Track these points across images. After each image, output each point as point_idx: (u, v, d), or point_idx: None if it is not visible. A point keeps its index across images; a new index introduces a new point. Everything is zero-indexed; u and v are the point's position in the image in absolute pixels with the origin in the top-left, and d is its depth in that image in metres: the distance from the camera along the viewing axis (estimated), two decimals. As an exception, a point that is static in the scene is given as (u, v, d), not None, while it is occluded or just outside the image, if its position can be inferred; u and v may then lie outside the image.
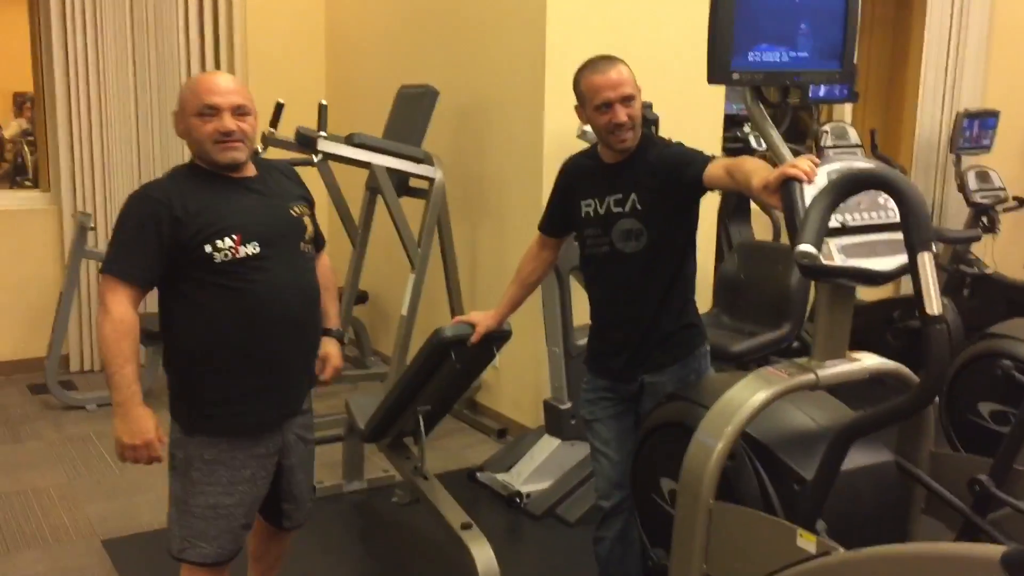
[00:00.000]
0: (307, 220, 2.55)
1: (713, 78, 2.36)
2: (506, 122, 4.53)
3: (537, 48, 4.27)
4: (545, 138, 4.30)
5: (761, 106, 2.46)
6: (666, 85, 4.42)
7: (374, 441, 3.69)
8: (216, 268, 2.32)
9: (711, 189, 2.69)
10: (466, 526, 3.24)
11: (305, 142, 4.21)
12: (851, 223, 2.19)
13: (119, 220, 2.34)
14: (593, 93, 2.69)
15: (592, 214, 2.80)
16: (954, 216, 6.20)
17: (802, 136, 6.03)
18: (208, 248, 2.30)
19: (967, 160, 6.06)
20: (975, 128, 5.96)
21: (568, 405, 4.08)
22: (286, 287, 2.42)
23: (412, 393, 3.34)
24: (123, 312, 2.26)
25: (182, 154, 5.69)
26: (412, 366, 3.27)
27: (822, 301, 2.32)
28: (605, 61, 2.72)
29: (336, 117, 5.19)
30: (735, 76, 2.34)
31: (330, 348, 2.74)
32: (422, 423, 3.45)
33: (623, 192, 2.73)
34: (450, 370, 3.19)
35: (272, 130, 4.42)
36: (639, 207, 2.71)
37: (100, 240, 5.36)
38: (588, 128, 4.04)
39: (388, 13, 5.47)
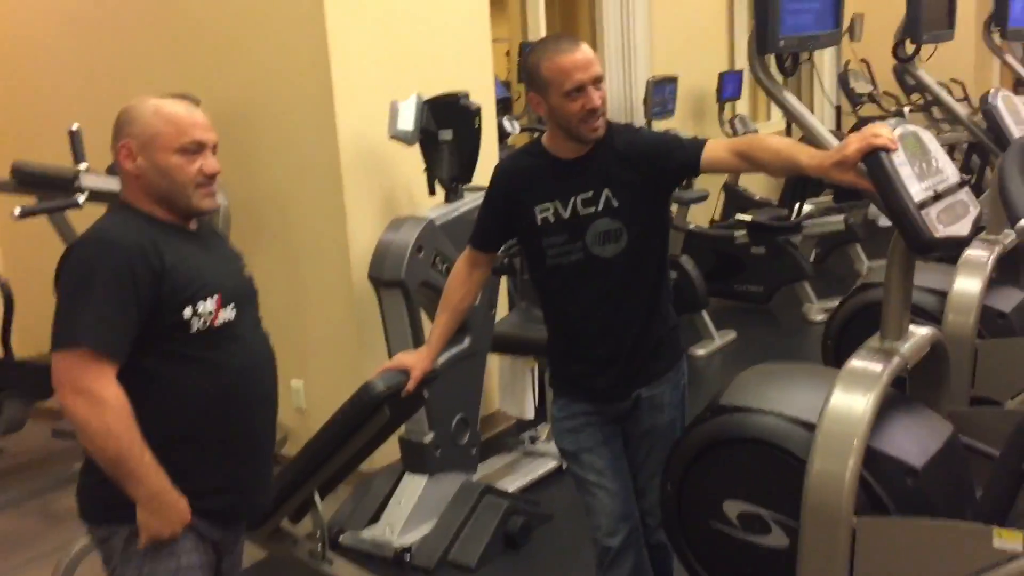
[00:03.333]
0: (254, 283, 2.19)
1: (763, 48, 2.04)
2: (286, 130, 3.78)
3: (316, 38, 3.59)
4: (340, 144, 3.65)
5: (777, 77, 2.17)
6: (443, 71, 3.98)
7: (252, 530, 2.89)
8: (191, 338, 1.91)
9: (706, 173, 2.37)
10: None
11: (52, 183, 3.18)
12: (939, 189, 1.99)
13: (81, 275, 1.85)
14: (563, 77, 2.24)
15: (553, 219, 2.35)
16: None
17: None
18: (187, 312, 1.90)
19: (656, 124, 6.27)
20: (664, 93, 6.17)
21: (431, 436, 3.53)
22: (259, 358, 2.10)
23: (323, 463, 2.66)
24: (118, 394, 1.82)
25: None
26: (329, 432, 2.60)
27: (896, 274, 2.10)
28: (568, 40, 2.30)
29: (29, 148, 4.10)
30: (781, 43, 2.03)
31: None
32: (317, 495, 2.78)
33: (593, 189, 2.32)
34: (376, 427, 2.58)
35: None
36: (615, 204, 2.31)
37: None
38: (405, 127, 3.51)
39: (88, 13, 4.34)
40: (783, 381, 2.22)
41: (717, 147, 2.25)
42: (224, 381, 1.96)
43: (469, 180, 3.66)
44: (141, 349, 1.88)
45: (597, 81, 2.25)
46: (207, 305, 1.91)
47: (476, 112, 3.55)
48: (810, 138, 2.18)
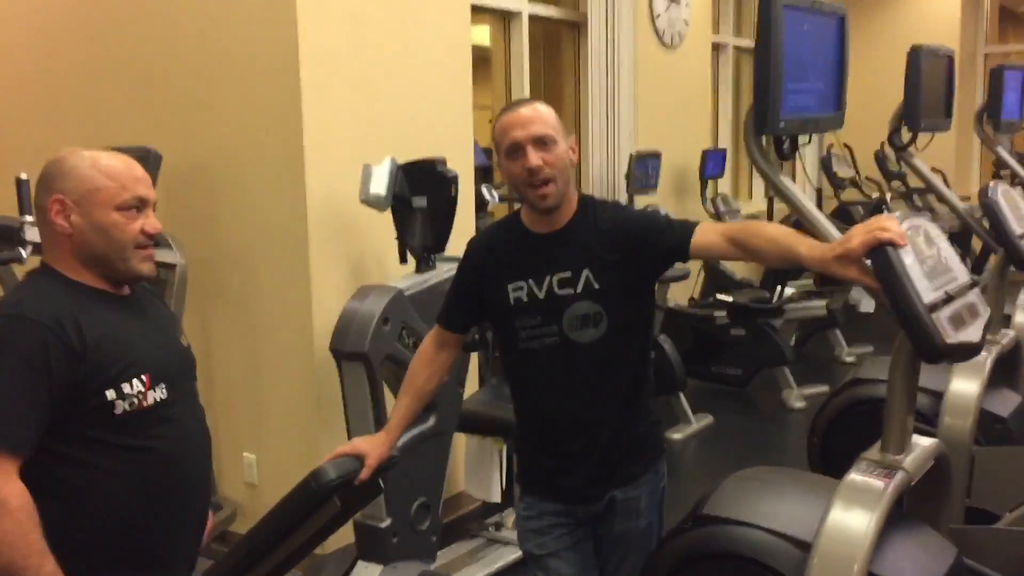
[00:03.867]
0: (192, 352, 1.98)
1: (763, 128, 1.87)
2: (251, 187, 3.58)
3: (288, 94, 3.41)
4: (309, 205, 3.46)
5: (776, 158, 2.00)
6: (421, 135, 3.82)
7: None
8: (115, 422, 1.69)
9: (696, 259, 2.19)
10: None
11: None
12: (950, 290, 1.81)
13: None
14: (502, 135, 2.10)
15: (527, 299, 2.16)
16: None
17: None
18: (111, 394, 1.68)
19: (639, 199, 6.14)
20: (647, 168, 6.05)
21: (388, 522, 3.28)
22: (193, 441, 1.88)
23: (264, 556, 2.40)
24: (16, 493, 1.59)
25: None
26: (272, 522, 2.32)
27: (900, 381, 1.91)
28: (524, 100, 2.15)
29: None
30: (782, 124, 1.86)
31: None
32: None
33: (571, 268, 2.13)
34: (324, 518, 2.33)
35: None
36: (596, 286, 2.12)
37: None
38: (377, 191, 3.32)
39: (58, 64, 4.15)
40: (773, 490, 2.01)
41: (709, 232, 2.07)
42: (151, 470, 1.75)
43: (442, 250, 3.47)
44: (57, 434, 1.66)
45: (538, 141, 2.06)
46: (134, 385, 1.70)
47: (453, 180, 3.37)
48: (808, 227, 2.00)
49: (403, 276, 3.43)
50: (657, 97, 6.60)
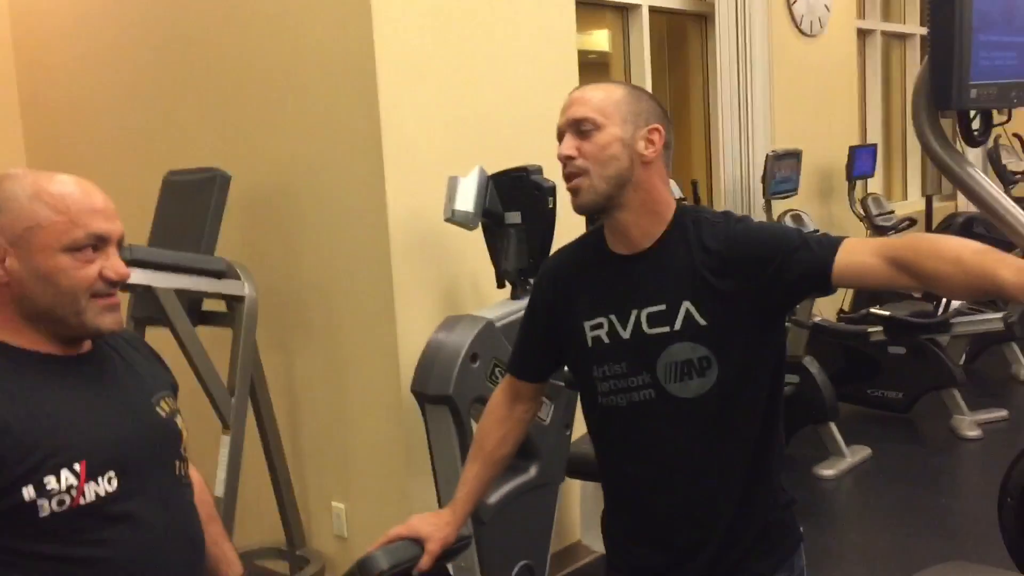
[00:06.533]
0: (180, 422, 1.52)
1: (943, 101, 1.28)
2: (329, 206, 3.17)
3: (365, 101, 2.98)
4: (391, 223, 3.01)
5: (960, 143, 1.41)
6: (510, 138, 3.32)
7: None
8: (40, 528, 1.28)
9: (842, 287, 1.61)
10: None
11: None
12: None
13: None
14: None
15: (608, 340, 1.64)
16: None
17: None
18: (29, 492, 1.27)
19: (777, 205, 5.48)
20: (786, 169, 5.39)
21: (484, 589, 2.80)
22: (162, 545, 1.40)
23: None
24: None
25: None
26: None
27: None
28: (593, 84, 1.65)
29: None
30: (973, 94, 1.27)
31: None
32: None
33: (666, 300, 1.59)
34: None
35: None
36: (701, 322, 1.57)
37: None
38: (464, 207, 2.85)
39: (124, 81, 3.89)
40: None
41: (859, 250, 1.49)
42: None
43: (540, 272, 2.96)
44: None
45: (574, 125, 1.58)
46: (63, 479, 1.28)
47: (550, 190, 2.86)
48: (1011, 234, 1.39)
49: (496, 304, 2.95)
50: (796, 91, 5.91)
